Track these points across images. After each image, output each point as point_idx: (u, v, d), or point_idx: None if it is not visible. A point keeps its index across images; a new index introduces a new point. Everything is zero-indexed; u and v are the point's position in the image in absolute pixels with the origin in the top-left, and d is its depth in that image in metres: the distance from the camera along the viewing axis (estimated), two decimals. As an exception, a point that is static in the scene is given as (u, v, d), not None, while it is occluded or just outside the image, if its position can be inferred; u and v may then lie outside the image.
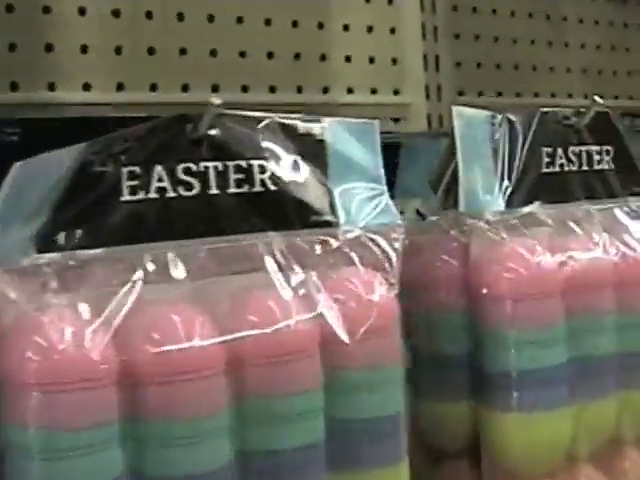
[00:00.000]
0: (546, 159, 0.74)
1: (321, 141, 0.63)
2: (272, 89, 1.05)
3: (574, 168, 0.76)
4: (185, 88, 1.01)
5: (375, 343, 0.60)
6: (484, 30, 1.20)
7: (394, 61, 1.12)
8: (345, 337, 0.59)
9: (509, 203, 0.71)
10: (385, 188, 0.66)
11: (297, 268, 0.59)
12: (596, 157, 0.78)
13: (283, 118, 0.61)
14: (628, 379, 0.75)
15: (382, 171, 0.66)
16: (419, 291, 0.73)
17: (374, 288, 0.61)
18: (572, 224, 0.74)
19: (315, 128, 0.63)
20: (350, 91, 1.09)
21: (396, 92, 1.12)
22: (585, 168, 0.77)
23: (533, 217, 0.72)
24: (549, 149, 0.74)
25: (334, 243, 0.61)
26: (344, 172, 0.64)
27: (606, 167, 0.79)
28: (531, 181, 0.73)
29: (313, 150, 0.63)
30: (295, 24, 1.08)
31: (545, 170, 0.74)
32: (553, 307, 0.70)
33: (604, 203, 0.77)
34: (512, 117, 0.72)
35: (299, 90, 1.06)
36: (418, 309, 0.73)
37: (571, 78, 1.27)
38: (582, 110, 0.75)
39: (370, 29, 1.12)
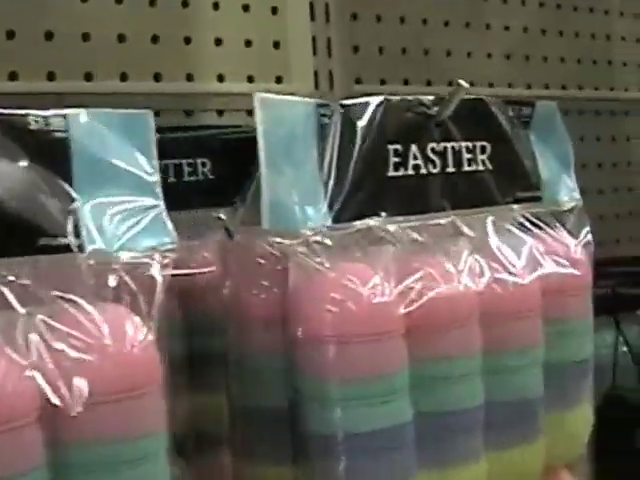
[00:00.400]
0: (394, 159, 0.59)
1: (63, 140, 0.49)
2: (124, 77, 0.91)
3: (435, 170, 0.61)
4: (13, 77, 0.87)
5: (119, 409, 0.46)
6: (388, 10, 1.06)
7: (276, 45, 0.97)
8: (73, 403, 0.45)
9: (339, 217, 0.56)
10: (159, 200, 0.51)
11: (14, 308, 0.45)
12: (467, 155, 0.63)
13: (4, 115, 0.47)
14: (500, 436, 0.60)
15: (157, 177, 0.51)
16: (231, 329, 0.59)
17: (124, 333, 0.47)
18: (428, 242, 0.59)
19: (55, 123, 0.48)
20: (221, 79, 0.94)
21: (279, 80, 0.97)
22: (451, 170, 0.62)
23: (373, 234, 0.58)
24: (398, 146, 0.59)
25: (73, 274, 0.47)
26: (98, 180, 0.48)
27: (480, 168, 0.64)
28: (372, 188, 0.57)
29: (51, 152, 0.48)
30: (153, 2, 0.93)
31: (393, 173, 0.59)
32: (392, 351, 0.54)
33: (477, 213, 0.63)
34: (348, 107, 0.58)
35: (157, 78, 0.92)
36: (231, 351, 0.59)
37: (493, 64, 1.13)
38: (446, 97, 0.61)
39: (246, 8, 0.97)
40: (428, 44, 1.08)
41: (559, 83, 1.22)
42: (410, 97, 0.60)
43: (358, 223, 0.56)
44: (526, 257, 0.63)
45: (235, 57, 0.94)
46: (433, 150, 0.61)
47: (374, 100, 0.58)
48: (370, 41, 1.04)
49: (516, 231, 0.64)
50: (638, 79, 1.26)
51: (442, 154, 0.61)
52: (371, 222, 0.56)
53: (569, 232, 0.68)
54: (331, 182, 0.56)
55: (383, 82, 1.04)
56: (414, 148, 0.60)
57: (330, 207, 0.55)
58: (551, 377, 0.65)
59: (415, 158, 0.60)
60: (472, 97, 0.63)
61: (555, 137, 0.69)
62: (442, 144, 0.61)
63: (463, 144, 0.63)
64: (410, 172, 0.60)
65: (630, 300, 0.99)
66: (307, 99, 0.55)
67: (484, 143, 0.64)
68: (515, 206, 0.65)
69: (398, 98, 0.59)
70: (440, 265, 0.58)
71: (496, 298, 0.60)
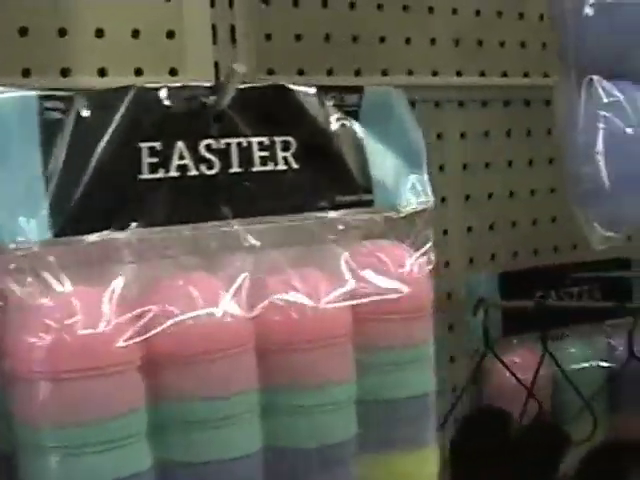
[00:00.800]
0: (150, 159, 0.50)
1: None
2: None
3: (212, 171, 0.52)
4: None
5: None
6: (308, -8, 0.97)
7: (170, 34, 0.89)
8: None
9: (65, 229, 0.46)
10: None
11: None
12: (260, 153, 0.54)
13: None
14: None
15: None
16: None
17: None
18: (189, 257, 0.50)
19: None
20: (103, 73, 0.86)
21: (173, 72, 0.89)
22: (236, 170, 0.53)
23: (116, 249, 0.49)
24: (156, 144, 0.50)
25: None
26: None
27: (282, 167, 0.55)
28: (116, 194, 0.48)
29: None
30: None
31: (148, 176, 0.50)
32: (121, 388, 0.44)
33: (271, 222, 0.53)
34: (90, 98, 0.49)
35: (26, 74, 0.83)
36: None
37: (437, 51, 1.02)
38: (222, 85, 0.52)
39: (134, -6, 0.90)
40: (357, 30, 0.99)
41: (520, 70, 1.11)
42: (183, 85, 0.51)
43: (91, 236, 0.48)
44: (334, 274, 0.54)
45: (120, 49, 0.86)
46: (209, 148, 0.52)
47: (124, 89, 0.50)
48: (285, 28, 0.94)
49: (329, 243, 0.55)
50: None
51: (224, 152, 0.52)
52: (107, 235, 0.48)
53: (409, 243, 0.58)
54: (56, 188, 0.47)
55: (302, 73, 0.95)
56: (180, 145, 0.51)
57: (53, 218, 0.47)
58: (378, 415, 0.55)
59: (182, 157, 0.51)
60: (270, 84, 0.54)
61: (396, 130, 0.58)
62: (224, 140, 0.52)
63: (255, 140, 0.53)
64: (174, 174, 0.50)
65: (561, 314, 0.88)
66: (26, 92, 0.47)
67: (287, 138, 0.54)
68: (333, 213, 0.56)
69: (161, 86, 0.51)
70: (201, 284, 0.49)
71: (282, 324, 0.50)
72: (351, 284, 0.53)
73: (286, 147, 0.54)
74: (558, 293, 1.06)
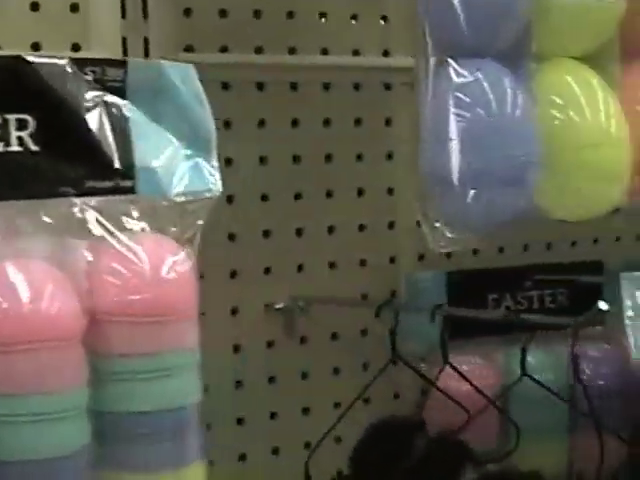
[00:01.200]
0: None
1: None
2: None
3: None
4: None
5: None
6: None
7: (74, 7, 0.84)
8: None
9: None
10: None
11: None
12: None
13: None
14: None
15: None
16: None
17: None
18: None
19: None
20: (-4, 48, 0.82)
21: (75, 48, 0.84)
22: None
23: None
24: None
25: None
26: None
27: (15, 148, 0.49)
28: None
29: None
30: None
31: None
32: None
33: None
34: None
35: None
36: None
37: (389, 30, 0.94)
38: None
39: (28, -39, 0.85)
40: (293, 6, 0.92)
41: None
42: None
43: None
44: (65, 269, 0.48)
45: (16, 23, 0.82)
46: None
47: None
48: (208, 2, 0.89)
49: (66, 233, 0.49)
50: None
51: None
52: None
53: (174, 235, 0.52)
54: None
55: (225, 50, 0.89)
56: None
57: None
58: (118, 429, 0.49)
59: None
60: (4, 55, 0.49)
61: (174, 109, 0.52)
62: None
63: (-25, 118, 0.48)
64: None
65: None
66: None
67: (24, 116, 0.49)
68: (78, 199, 0.50)
69: None
70: None
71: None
72: (83, 280, 0.48)
73: (22, 126, 0.49)
74: (514, 296, 0.97)
